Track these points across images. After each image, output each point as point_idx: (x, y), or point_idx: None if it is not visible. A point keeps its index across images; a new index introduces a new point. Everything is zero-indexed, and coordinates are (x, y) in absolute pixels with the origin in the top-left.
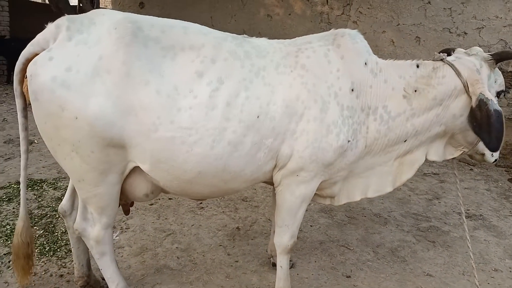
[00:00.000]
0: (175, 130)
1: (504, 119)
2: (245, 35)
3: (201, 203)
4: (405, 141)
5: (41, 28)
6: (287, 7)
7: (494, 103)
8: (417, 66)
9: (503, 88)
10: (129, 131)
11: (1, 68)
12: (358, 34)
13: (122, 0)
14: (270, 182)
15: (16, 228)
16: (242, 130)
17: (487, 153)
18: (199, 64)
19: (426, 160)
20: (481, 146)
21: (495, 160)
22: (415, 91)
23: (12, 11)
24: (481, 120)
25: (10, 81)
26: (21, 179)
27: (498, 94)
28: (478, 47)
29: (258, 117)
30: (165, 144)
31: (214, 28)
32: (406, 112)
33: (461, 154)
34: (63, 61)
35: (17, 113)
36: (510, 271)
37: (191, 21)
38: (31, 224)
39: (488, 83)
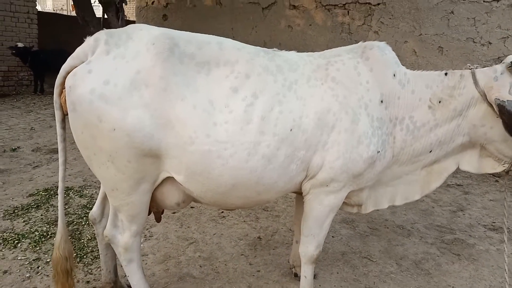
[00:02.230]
0: (211, 144)
1: None
2: (275, 49)
3: (222, 212)
4: (430, 151)
5: (68, 40)
6: (307, 18)
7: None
8: (445, 74)
9: None
10: (166, 143)
11: (29, 79)
12: (387, 46)
13: (146, 13)
14: (297, 191)
15: (55, 241)
16: (276, 143)
17: None
18: (234, 79)
19: (459, 169)
20: None
21: None
22: (439, 102)
23: (40, 24)
24: (508, 123)
25: (37, 91)
26: (59, 190)
27: None
28: None
29: (291, 130)
30: (201, 157)
31: (235, 40)
32: (430, 122)
33: (507, 169)
34: (102, 74)
35: (44, 122)
36: None
37: (211, 33)
38: None
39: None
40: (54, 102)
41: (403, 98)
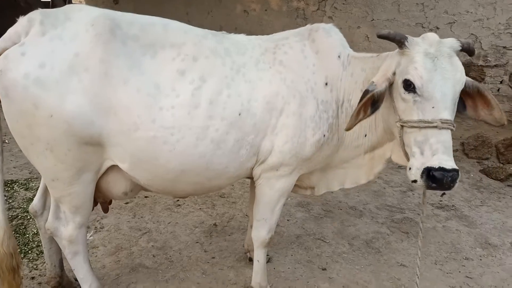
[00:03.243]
0: (156, 130)
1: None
2: (223, 32)
3: (178, 200)
4: (365, 135)
5: (9, 25)
6: (263, 2)
7: (370, 85)
8: (377, 56)
9: (406, 76)
10: (108, 130)
11: None
12: (333, 28)
13: None
14: (249, 176)
15: None
16: (225, 128)
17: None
18: (181, 62)
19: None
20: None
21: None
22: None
23: None
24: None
25: None
26: None
27: (405, 83)
28: (431, 34)
29: (239, 114)
30: (146, 144)
31: (190, 24)
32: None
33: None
34: (37, 57)
35: None
36: (481, 260)
37: (166, 17)
38: None
39: (398, 71)
40: None
41: (344, 80)
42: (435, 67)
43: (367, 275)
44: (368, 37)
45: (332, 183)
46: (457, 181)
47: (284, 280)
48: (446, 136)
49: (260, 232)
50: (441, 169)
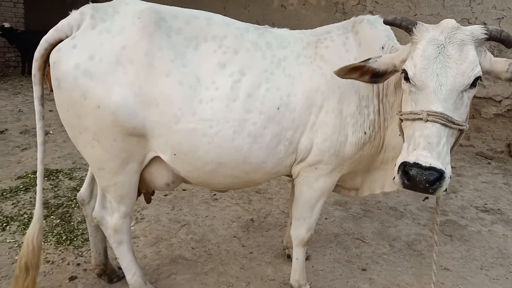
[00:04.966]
0: (196, 122)
1: None
2: (266, 26)
3: (215, 194)
4: (399, 134)
5: (55, 20)
6: None
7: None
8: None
9: (404, 65)
10: (151, 122)
11: (16, 60)
12: (379, 19)
13: None
14: (289, 175)
15: (28, 231)
16: (263, 122)
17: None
18: (222, 54)
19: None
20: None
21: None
22: None
23: (26, 4)
24: None
25: (24, 73)
26: (38, 174)
27: (404, 72)
28: (448, 20)
29: (278, 108)
30: (186, 136)
31: None
32: (397, 101)
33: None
34: (87, 49)
35: (32, 104)
36: None
37: None
38: (48, 214)
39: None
40: (32, 76)
41: None
42: (436, 54)
43: (409, 277)
44: None
45: (374, 185)
46: (440, 184)
47: (323, 279)
48: (431, 130)
49: (299, 231)
50: (416, 165)
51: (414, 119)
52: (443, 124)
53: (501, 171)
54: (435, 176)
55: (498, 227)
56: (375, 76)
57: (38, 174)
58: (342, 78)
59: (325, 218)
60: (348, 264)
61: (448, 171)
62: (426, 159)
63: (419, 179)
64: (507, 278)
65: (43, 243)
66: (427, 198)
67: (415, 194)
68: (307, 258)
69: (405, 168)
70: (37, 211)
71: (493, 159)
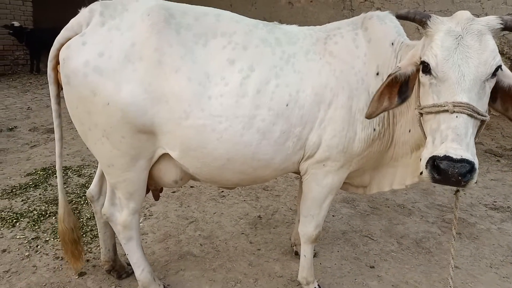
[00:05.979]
0: (205, 118)
1: None
2: (275, 22)
3: (222, 191)
4: (409, 131)
5: (64, 18)
6: None
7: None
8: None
9: (423, 57)
10: (160, 118)
11: (24, 58)
12: (389, 15)
13: None
14: (297, 171)
15: (58, 216)
16: (271, 118)
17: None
18: (231, 50)
19: None
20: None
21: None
22: None
23: (35, 2)
24: None
25: (33, 71)
26: (57, 167)
27: (423, 65)
28: (462, 11)
29: (287, 105)
30: (195, 132)
31: None
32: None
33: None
34: (96, 46)
35: (41, 102)
36: None
37: None
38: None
39: (422, 53)
40: (47, 76)
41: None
42: (456, 45)
43: (417, 275)
44: (418, 29)
45: (382, 182)
46: (471, 176)
47: (331, 276)
48: (458, 122)
49: (307, 228)
50: (447, 158)
51: (438, 112)
52: (469, 115)
53: (511, 168)
54: (467, 168)
55: (508, 225)
56: (402, 89)
57: (57, 167)
58: (373, 117)
59: (333, 215)
60: (355, 261)
61: (477, 163)
62: (457, 151)
63: (451, 172)
64: None
65: (53, 239)
66: (458, 191)
67: (423, 192)
68: (315, 255)
69: (434, 162)
70: (61, 199)
71: (503, 156)
